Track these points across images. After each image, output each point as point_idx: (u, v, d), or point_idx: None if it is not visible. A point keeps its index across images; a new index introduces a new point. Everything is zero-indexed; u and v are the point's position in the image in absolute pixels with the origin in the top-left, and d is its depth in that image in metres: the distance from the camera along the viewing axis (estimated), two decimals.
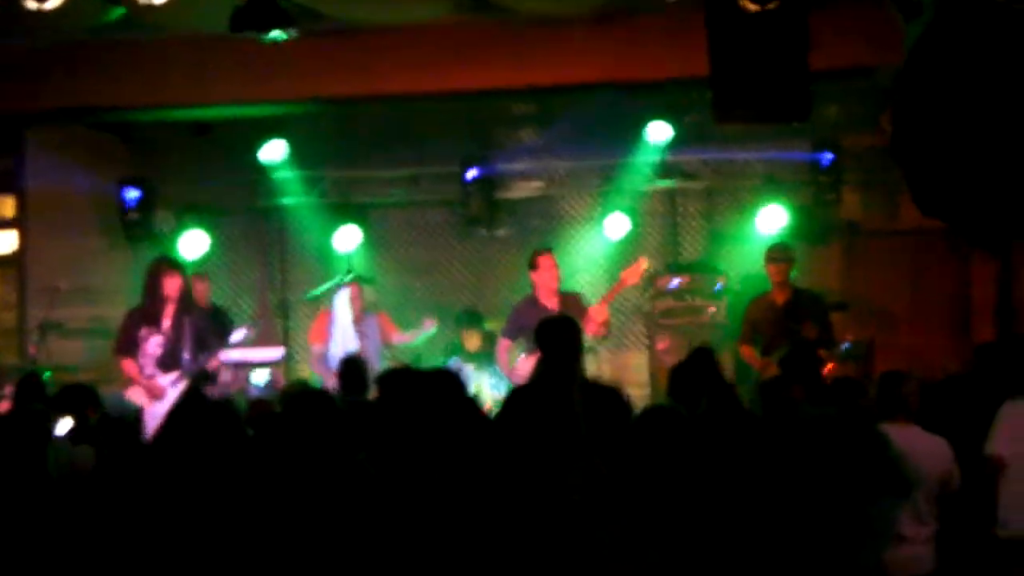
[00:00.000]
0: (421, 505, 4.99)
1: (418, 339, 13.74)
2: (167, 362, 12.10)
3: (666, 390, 8.93)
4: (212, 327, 12.71)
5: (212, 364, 12.62)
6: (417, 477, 5.20)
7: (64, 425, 8.45)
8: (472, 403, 4.62)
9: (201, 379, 12.15)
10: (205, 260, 15.18)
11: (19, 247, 15.78)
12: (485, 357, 13.38)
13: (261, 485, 5.87)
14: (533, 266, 12.55)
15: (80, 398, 9.27)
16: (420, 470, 5.14)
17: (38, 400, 9.41)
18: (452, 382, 4.88)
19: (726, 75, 11.40)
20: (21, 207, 15.68)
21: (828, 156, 14.21)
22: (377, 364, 12.66)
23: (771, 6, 10.52)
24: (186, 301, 12.39)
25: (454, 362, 13.31)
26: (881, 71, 12.04)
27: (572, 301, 12.39)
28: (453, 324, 14.13)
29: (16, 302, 15.80)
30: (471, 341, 13.73)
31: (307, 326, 14.47)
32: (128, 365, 12.19)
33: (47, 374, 11.46)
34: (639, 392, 13.32)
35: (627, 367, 15.01)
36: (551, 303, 12.32)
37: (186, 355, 12.13)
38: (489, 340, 13.73)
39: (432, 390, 4.63)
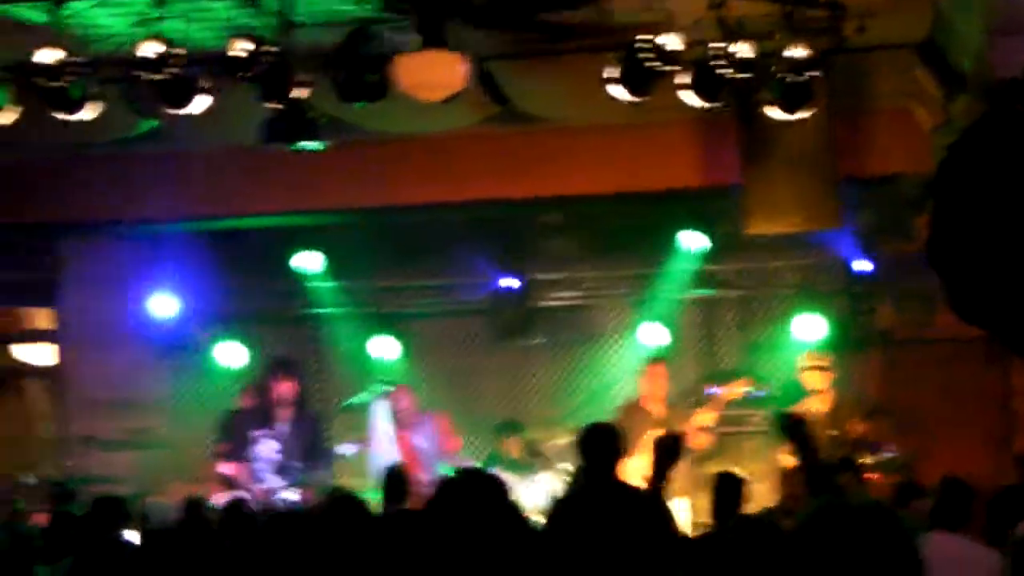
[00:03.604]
0: None
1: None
2: (282, 468, 12.01)
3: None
4: (322, 436, 12.62)
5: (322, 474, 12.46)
6: None
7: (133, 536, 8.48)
8: (517, 510, 4.55)
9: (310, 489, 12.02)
10: (243, 370, 15.18)
11: (57, 360, 15.83)
12: (525, 466, 13.36)
13: None
14: (641, 372, 13.20)
15: (111, 510, 9.24)
16: None
17: (67, 511, 9.40)
18: (502, 487, 4.81)
19: (757, 184, 11.40)
20: (59, 319, 15.74)
21: (863, 264, 14.10)
22: (432, 469, 12.65)
23: (799, 114, 10.52)
24: (301, 406, 12.32)
25: (494, 471, 13.18)
26: (907, 179, 12.01)
27: (678, 410, 13.04)
28: (491, 433, 14.09)
29: (55, 414, 15.82)
30: (512, 449, 13.65)
31: (344, 436, 14.38)
32: (238, 469, 12.10)
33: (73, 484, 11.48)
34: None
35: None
36: (655, 410, 12.89)
37: (295, 462, 12.03)
38: (528, 448, 13.65)
39: (486, 494, 4.55)
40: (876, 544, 3.23)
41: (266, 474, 12.03)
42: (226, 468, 12.37)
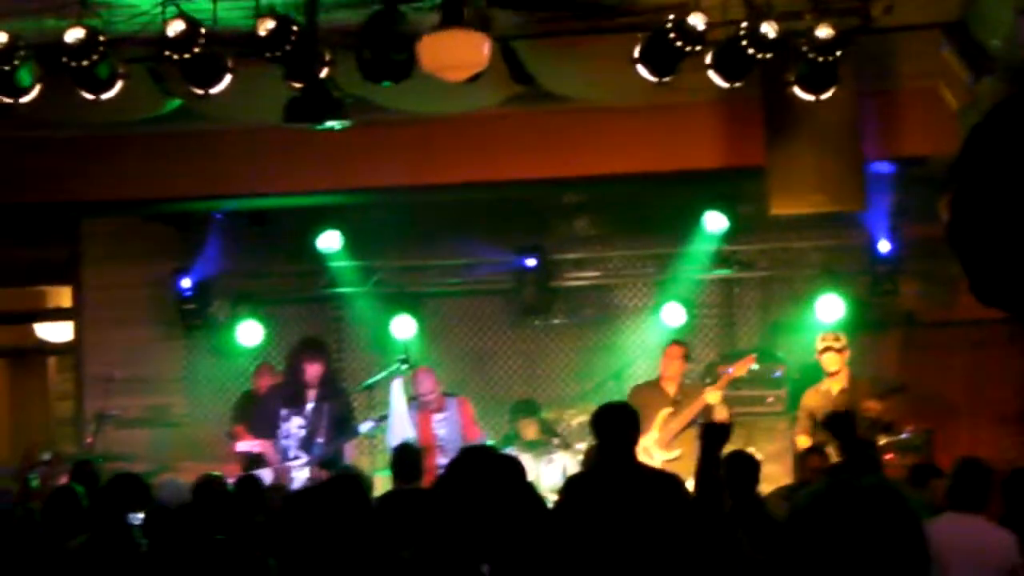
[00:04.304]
0: None
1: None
2: (307, 446, 12.13)
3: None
4: (349, 414, 12.73)
5: (349, 451, 12.72)
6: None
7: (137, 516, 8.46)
8: (533, 489, 4.53)
9: (329, 466, 12.09)
10: (261, 349, 15.21)
11: (75, 337, 15.86)
12: (541, 446, 13.31)
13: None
14: (663, 353, 13.39)
15: (130, 488, 9.23)
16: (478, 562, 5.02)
17: (91, 488, 9.40)
18: (514, 466, 4.79)
19: (781, 164, 11.37)
20: (77, 297, 15.77)
21: (886, 246, 14.06)
22: (451, 454, 12.54)
23: (825, 94, 10.49)
24: (328, 386, 12.42)
25: (511, 451, 13.18)
26: (934, 160, 11.96)
27: (691, 389, 13.23)
28: (508, 414, 14.05)
29: (73, 392, 15.86)
30: (528, 430, 13.61)
31: (364, 415, 14.46)
32: (264, 446, 12.26)
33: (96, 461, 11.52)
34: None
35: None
36: (671, 388, 13.14)
37: (320, 439, 12.14)
38: (545, 429, 13.64)
39: (496, 472, 4.53)
40: (879, 524, 3.21)
41: (292, 452, 12.11)
42: (249, 446, 12.44)
